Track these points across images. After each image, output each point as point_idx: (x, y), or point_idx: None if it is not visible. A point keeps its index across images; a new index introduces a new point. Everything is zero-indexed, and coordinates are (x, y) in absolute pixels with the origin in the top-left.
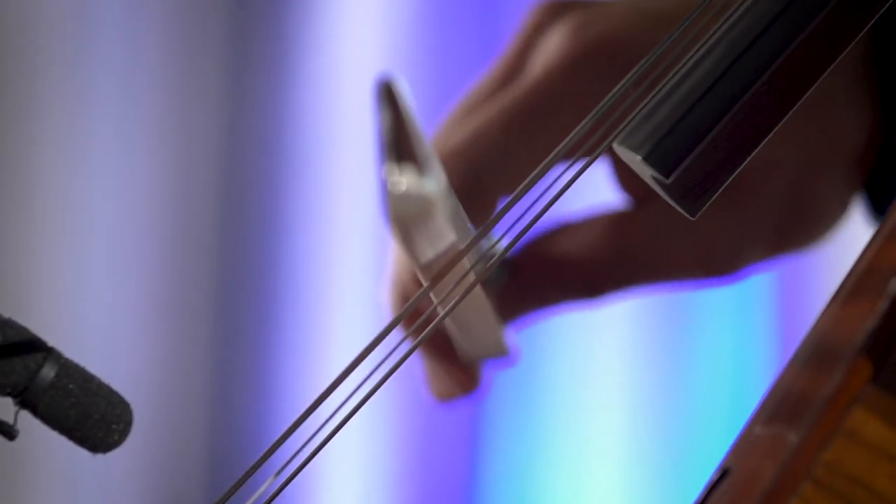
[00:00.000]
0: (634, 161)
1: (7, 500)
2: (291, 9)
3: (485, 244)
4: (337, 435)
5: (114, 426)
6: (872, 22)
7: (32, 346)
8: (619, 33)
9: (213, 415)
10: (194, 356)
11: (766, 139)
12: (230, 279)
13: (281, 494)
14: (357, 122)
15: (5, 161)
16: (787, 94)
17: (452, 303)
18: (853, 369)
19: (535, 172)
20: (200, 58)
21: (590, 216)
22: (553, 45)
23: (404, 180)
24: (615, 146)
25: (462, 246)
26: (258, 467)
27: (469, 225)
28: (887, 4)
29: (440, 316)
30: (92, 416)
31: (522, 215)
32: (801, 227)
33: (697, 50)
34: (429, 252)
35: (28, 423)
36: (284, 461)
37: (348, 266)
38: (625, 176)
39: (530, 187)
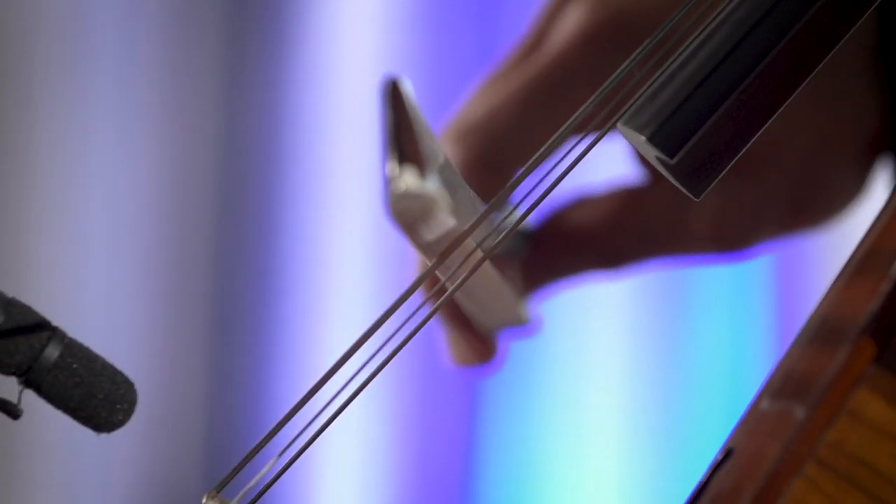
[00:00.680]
0: (639, 141)
1: (5, 484)
2: (288, 8)
3: (496, 218)
4: (337, 418)
5: (118, 406)
6: (874, 5)
7: (37, 326)
8: (637, 8)
9: (212, 400)
10: (193, 343)
11: (771, 121)
12: (228, 266)
13: (280, 478)
14: (353, 120)
15: (5, 158)
16: (791, 76)
17: (459, 281)
18: (856, 350)
19: (537, 154)
20: (197, 57)
21: (608, 190)
22: (572, 20)
23: (405, 180)
24: (619, 126)
25: (467, 227)
26: (260, 449)
27: (480, 206)
28: None
29: (444, 296)
30: (96, 396)
31: (533, 189)
32: (812, 206)
33: (702, 31)
34: (433, 245)
35: (27, 406)
36: (283, 445)
37: (345, 251)
38: None
39: (535, 167)
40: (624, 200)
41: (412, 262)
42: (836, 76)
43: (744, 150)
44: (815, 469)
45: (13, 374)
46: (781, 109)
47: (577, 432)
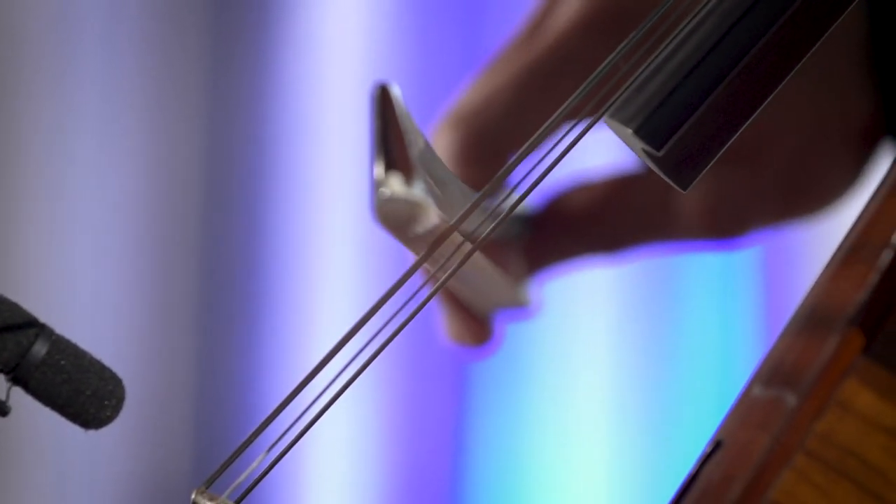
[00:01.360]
0: (625, 134)
1: None
2: (273, 8)
3: (489, 205)
4: (326, 413)
5: (106, 402)
6: None
7: (24, 323)
8: None
9: (199, 397)
10: (180, 339)
11: (757, 113)
12: (215, 262)
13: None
14: (339, 118)
15: None
16: (777, 68)
17: (445, 276)
18: (845, 341)
19: (525, 145)
20: (182, 58)
21: (606, 175)
22: (571, 7)
23: (391, 185)
24: (606, 119)
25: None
26: (250, 443)
27: (472, 196)
28: None
29: (430, 293)
30: (84, 392)
31: (526, 175)
32: (807, 195)
33: (689, 22)
34: (420, 243)
35: (14, 404)
36: (272, 441)
37: (332, 246)
38: None
39: (525, 157)
40: (621, 186)
41: (405, 255)
42: (829, 68)
43: (730, 142)
44: (804, 460)
45: (1, 371)
46: (767, 101)
47: (565, 425)
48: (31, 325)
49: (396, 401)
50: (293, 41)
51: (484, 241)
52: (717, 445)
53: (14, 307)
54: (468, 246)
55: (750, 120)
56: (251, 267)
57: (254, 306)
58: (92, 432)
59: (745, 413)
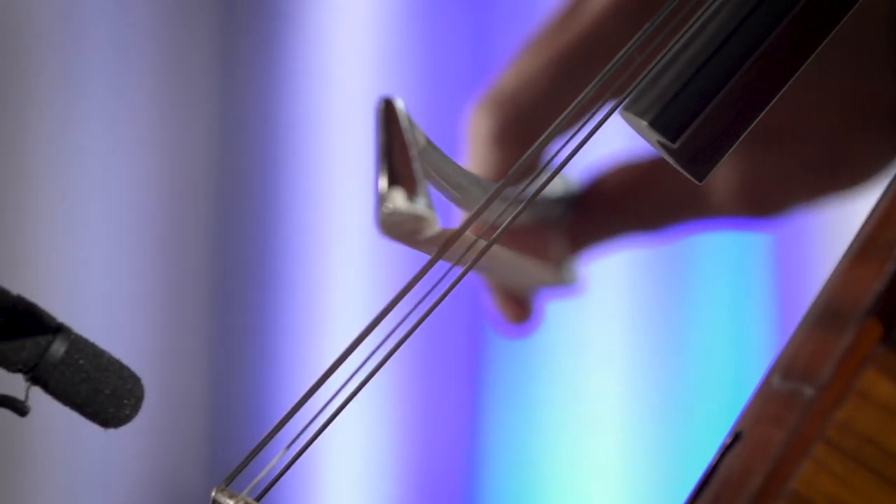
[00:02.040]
0: (641, 126)
1: (7, 483)
2: (281, 9)
3: (512, 192)
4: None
5: (125, 401)
6: None
7: (43, 323)
8: None
9: (214, 397)
10: (194, 339)
11: (773, 102)
12: (228, 261)
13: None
14: (348, 118)
15: (3, 158)
16: (792, 57)
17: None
18: (863, 331)
19: (539, 140)
20: (192, 57)
21: (647, 155)
22: None
23: (394, 200)
24: (621, 112)
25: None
26: (269, 440)
27: (490, 188)
28: None
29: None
30: (103, 392)
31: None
32: (842, 173)
33: (703, 13)
34: (432, 245)
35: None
36: (289, 439)
37: (345, 246)
38: None
39: (544, 146)
40: (661, 164)
41: (419, 254)
42: (860, 57)
43: (746, 132)
44: (823, 449)
45: (20, 371)
46: (783, 91)
47: (580, 420)
48: (49, 325)
49: (411, 398)
50: (304, 40)
51: (500, 236)
52: (736, 437)
53: (32, 307)
54: (483, 242)
55: (765, 111)
56: (265, 264)
57: (268, 305)
58: (106, 432)
59: (764, 404)
